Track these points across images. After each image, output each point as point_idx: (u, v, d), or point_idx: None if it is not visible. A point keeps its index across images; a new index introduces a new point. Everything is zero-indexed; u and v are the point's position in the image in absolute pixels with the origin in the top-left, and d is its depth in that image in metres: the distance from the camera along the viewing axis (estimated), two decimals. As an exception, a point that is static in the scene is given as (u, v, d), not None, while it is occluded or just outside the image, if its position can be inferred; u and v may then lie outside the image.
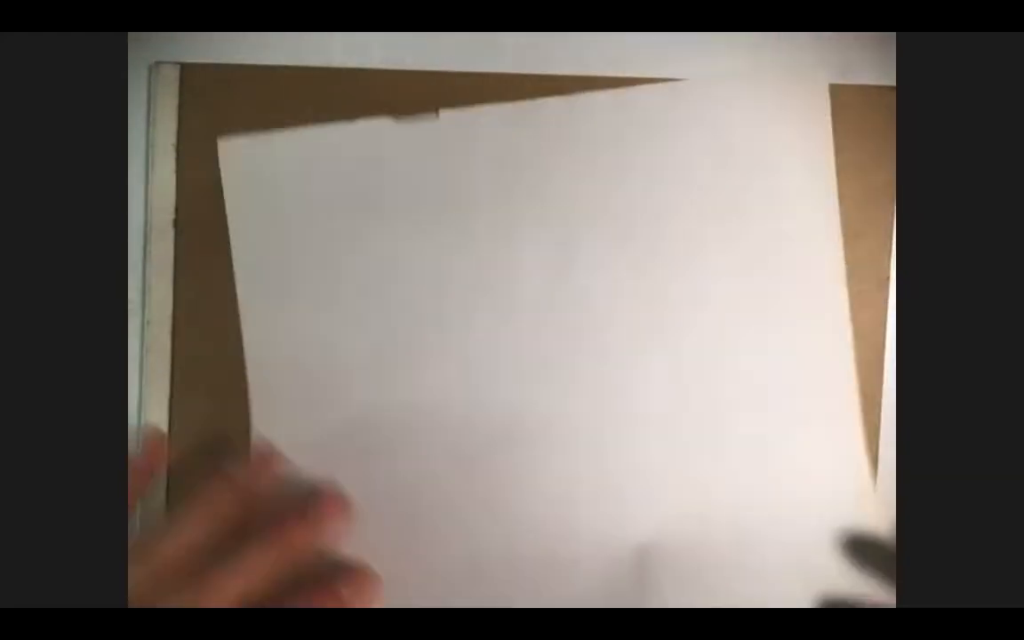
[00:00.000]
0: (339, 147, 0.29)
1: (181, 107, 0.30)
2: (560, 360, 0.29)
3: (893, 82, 0.29)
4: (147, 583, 0.25)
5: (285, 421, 0.29)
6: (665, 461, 0.29)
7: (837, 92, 0.29)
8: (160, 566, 0.26)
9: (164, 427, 0.30)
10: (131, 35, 0.29)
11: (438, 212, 0.29)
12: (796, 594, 0.28)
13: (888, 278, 0.29)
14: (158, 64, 0.30)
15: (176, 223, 0.30)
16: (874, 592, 0.26)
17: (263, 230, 0.29)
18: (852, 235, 0.29)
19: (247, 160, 0.29)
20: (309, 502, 0.28)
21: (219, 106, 0.30)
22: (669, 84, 0.29)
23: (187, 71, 0.30)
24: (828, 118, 0.28)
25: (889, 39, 0.28)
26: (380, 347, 0.29)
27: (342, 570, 0.27)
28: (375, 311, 0.29)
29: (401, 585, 0.28)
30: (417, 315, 0.29)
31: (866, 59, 0.29)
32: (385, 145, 0.29)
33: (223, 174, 0.29)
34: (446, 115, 0.29)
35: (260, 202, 0.29)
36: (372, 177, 0.29)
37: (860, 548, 0.27)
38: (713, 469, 0.29)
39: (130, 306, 0.30)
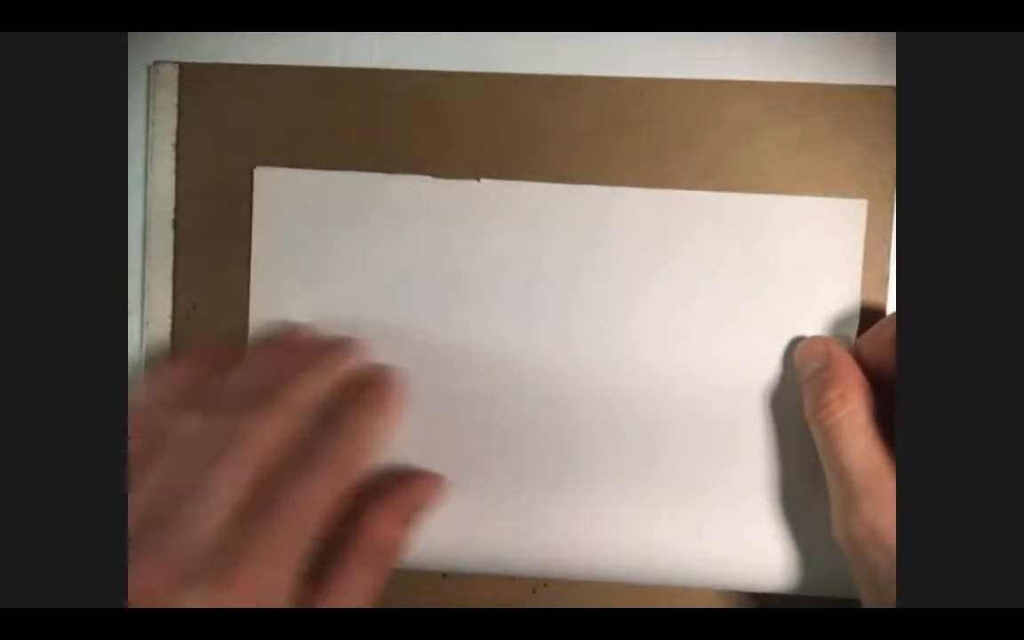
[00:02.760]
0: (376, 196, 0.29)
1: (180, 107, 0.30)
2: None
3: (893, 82, 0.29)
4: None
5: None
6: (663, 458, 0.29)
7: (837, 92, 0.29)
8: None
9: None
10: (130, 35, 0.29)
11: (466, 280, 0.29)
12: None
13: (888, 278, 0.29)
14: (157, 64, 0.30)
15: (176, 223, 0.30)
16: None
17: (286, 257, 0.30)
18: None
19: (280, 191, 0.30)
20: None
21: (219, 106, 0.30)
22: (707, 194, 0.29)
23: (186, 71, 0.30)
24: (862, 235, 0.29)
25: (889, 39, 0.28)
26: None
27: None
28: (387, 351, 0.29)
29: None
30: (436, 371, 0.30)
31: (866, 59, 0.29)
32: (423, 202, 0.29)
33: (255, 199, 0.30)
34: (487, 183, 0.29)
35: (288, 233, 0.30)
36: (402, 230, 0.29)
37: None
38: (716, 469, 0.29)
39: (129, 306, 0.30)
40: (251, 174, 0.30)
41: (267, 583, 0.22)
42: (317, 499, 0.24)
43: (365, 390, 0.27)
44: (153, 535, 0.22)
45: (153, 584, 0.21)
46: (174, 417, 0.25)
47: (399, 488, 0.27)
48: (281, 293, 0.30)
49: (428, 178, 0.29)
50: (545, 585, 0.30)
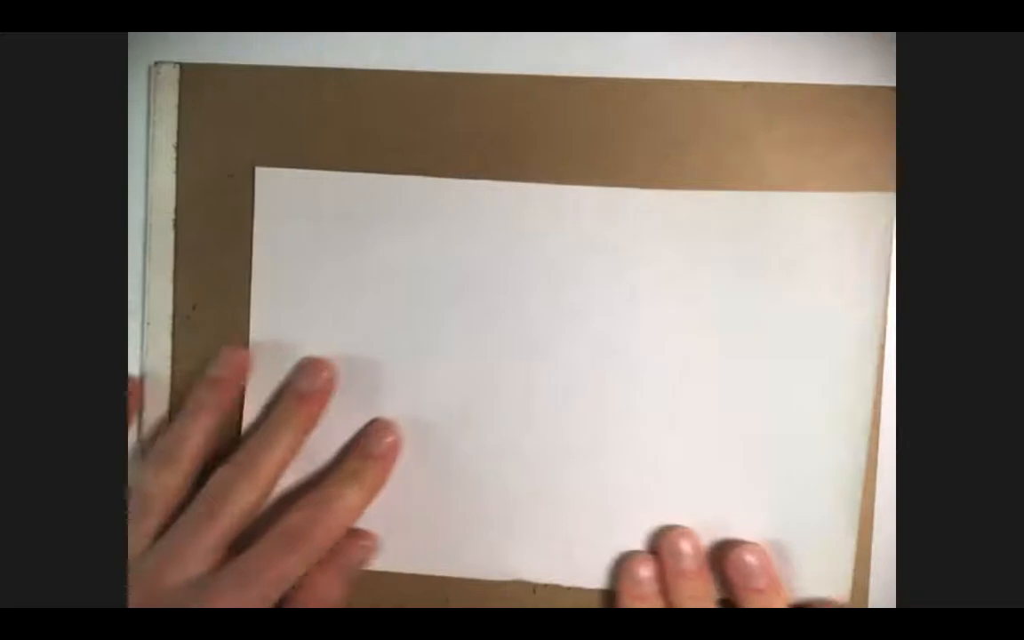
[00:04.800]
0: (375, 196, 0.29)
1: (181, 107, 0.30)
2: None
3: (893, 82, 0.29)
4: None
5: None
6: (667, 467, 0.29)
7: (837, 92, 0.29)
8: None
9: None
10: (131, 35, 0.29)
11: (470, 282, 0.29)
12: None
13: (888, 278, 0.29)
14: (158, 64, 0.30)
15: (176, 223, 0.30)
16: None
17: (286, 257, 0.30)
18: (852, 235, 0.29)
19: (281, 191, 0.30)
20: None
21: (219, 106, 0.30)
22: (716, 193, 0.29)
23: (187, 71, 0.30)
24: (893, 232, 0.28)
25: (889, 39, 0.28)
26: (380, 366, 0.30)
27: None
28: (384, 349, 0.30)
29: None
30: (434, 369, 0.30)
31: (866, 59, 0.29)
32: (423, 202, 0.29)
33: (256, 199, 0.30)
34: (486, 183, 0.29)
35: (288, 232, 0.30)
36: (402, 230, 0.29)
37: None
38: (721, 468, 0.29)
39: (130, 306, 0.30)
40: (252, 174, 0.30)
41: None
42: (290, 574, 0.26)
43: (356, 461, 0.29)
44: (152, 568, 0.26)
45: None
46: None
47: (335, 550, 0.28)
48: (281, 293, 0.30)
49: (427, 178, 0.29)
50: (545, 585, 0.30)
